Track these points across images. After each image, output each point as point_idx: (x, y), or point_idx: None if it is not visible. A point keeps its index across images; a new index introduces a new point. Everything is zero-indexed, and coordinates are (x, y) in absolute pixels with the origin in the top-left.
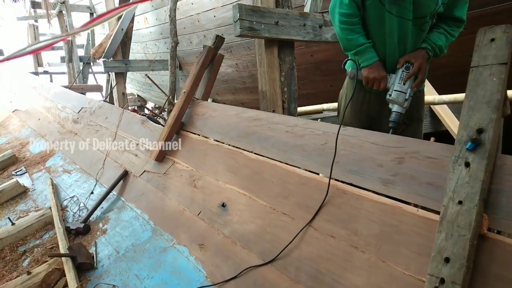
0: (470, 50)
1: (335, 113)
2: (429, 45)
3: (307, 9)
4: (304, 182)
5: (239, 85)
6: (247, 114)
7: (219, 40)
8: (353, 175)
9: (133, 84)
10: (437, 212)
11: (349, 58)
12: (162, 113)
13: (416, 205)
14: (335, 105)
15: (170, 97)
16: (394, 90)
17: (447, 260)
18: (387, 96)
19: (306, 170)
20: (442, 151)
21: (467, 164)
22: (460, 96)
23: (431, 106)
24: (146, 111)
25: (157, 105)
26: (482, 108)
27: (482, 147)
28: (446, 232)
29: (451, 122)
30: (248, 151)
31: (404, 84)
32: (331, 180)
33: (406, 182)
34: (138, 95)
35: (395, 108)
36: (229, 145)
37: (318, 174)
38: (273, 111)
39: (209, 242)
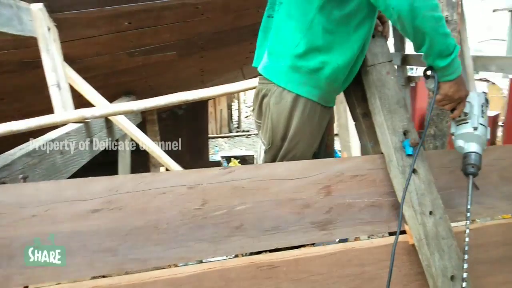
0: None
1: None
2: None
3: None
4: None
5: None
6: None
7: None
8: (274, 235)
9: None
10: (392, 233)
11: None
12: None
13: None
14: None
15: None
16: (481, 124)
17: (452, 278)
18: (468, 129)
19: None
20: (363, 164)
21: (415, 171)
22: (133, 104)
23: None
24: None
25: None
26: (397, 109)
27: (418, 148)
28: (437, 250)
29: (136, 132)
30: None
31: (483, 116)
32: (246, 257)
33: (346, 215)
34: None
35: (472, 147)
36: None
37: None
38: None
39: None
